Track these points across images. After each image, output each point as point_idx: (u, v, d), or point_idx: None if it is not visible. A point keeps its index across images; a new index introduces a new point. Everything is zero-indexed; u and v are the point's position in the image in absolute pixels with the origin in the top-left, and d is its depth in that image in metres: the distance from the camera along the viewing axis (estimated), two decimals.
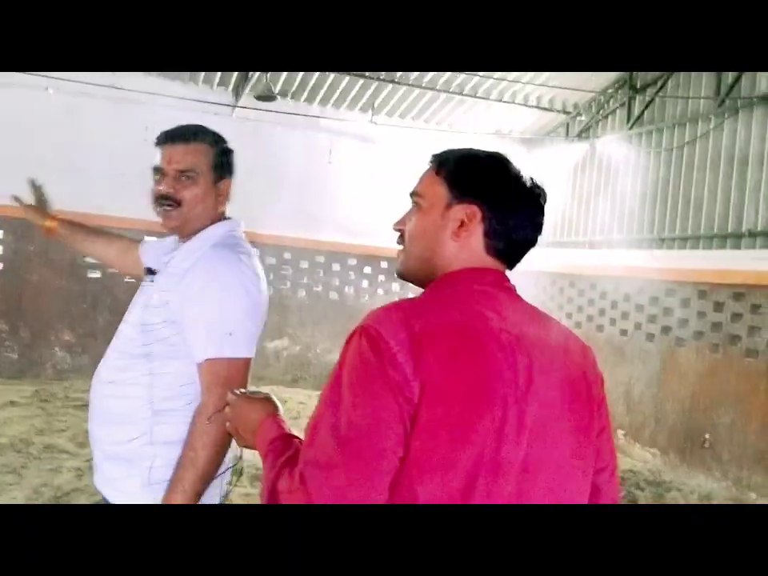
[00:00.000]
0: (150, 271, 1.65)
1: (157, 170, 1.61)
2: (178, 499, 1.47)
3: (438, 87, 7.45)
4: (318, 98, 7.66)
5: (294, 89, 7.49)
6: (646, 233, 6.89)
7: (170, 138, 1.61)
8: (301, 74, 7.19)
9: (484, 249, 1.11)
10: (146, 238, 2.00)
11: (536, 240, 1.15)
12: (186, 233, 1.65)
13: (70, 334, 6.92)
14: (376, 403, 0.93)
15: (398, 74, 7.19)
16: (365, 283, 8.24)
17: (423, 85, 7.41)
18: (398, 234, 1.17)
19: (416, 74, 7.20)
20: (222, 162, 1.66)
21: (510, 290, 1.13)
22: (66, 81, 6.68)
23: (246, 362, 1.58)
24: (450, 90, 7.50)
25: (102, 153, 6.82)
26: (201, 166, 1.60)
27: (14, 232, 6.55)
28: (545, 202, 1.15)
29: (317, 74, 7.16)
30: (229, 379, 1.50)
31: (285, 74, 7.15)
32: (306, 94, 7.60)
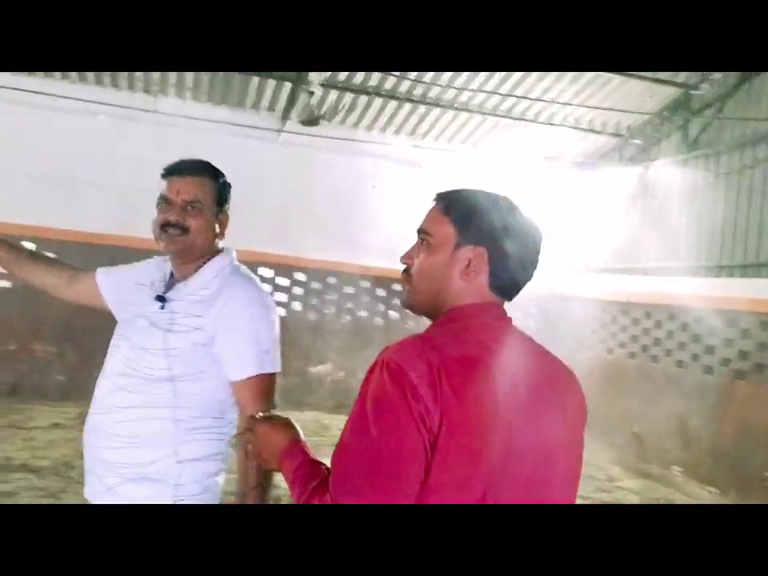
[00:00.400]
0: (161, 298, 1.71)
1: (164, 199, 1.72)
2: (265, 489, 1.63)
3: (485, 111, 7.33)
4: (364, 122, 7.62)
5: (339, 114, 7.46)
6: (703, 260, 6.58)
7: (178, 171, 1.73)
8: (348, 98, 7.16)
9: (488, 286, 1.21)
10: (100, 268, 1.95)
11: (532, 276, 1.25)
12: (187, 258, 1.75)
13: None
14: (401, 434, 1.01)
15: (444, 96, 7.10)
16: None
17: (470, 108, 7.29)
18: (405, 266, 1.26)
19: (463, 97, 7.09)
20: (223, 196, 1.80)
21: (509, 322, 1.24)
22: (113, 106, 6.80)
23: (276, 376, 1.74)
24: (497, 113, 7.36)
25: (146, 177, 6.89)
26: (206, 198, 1.73)
27: (66, 256, 6.63)
28: (541, 242, 1.25)
29: (363, 97, 7.13)
30: (268, 393, 1.68)
31: (329, 98, 7.13)
32: (351, 119, 7.56)
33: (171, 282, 1.78)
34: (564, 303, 7.68)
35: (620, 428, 6.75)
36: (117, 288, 1.87)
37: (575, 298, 7.63)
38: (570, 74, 6.48)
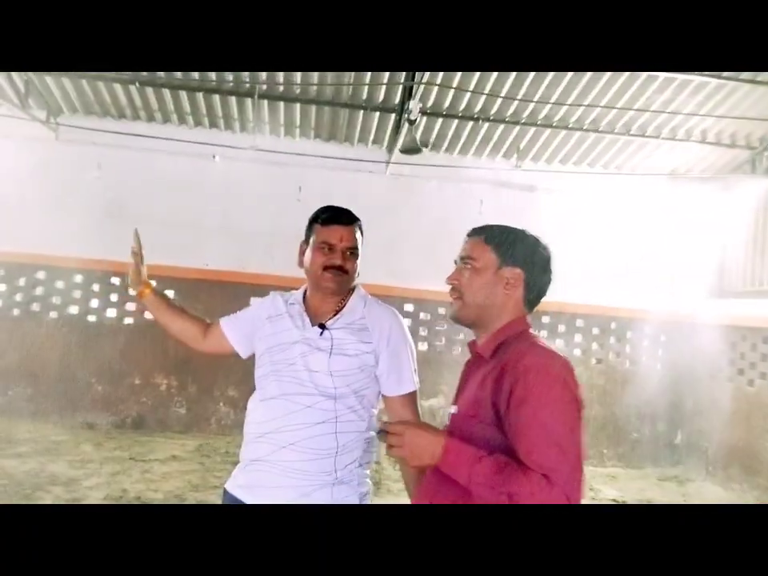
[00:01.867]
0: (323, 326, 1.97)
1: (327, 245, 1.98)
2: None
3: (600, 128, 6.97)
4: (470, 148, 7.46)
5: (443, 141, 7.36)
6: None
7: (340, 220, 2.01)
8: (452, 125, 7.05)
9: (522, 301, 1.58)
10: (223, 318, 2.24)
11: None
12: (342, 294, 2.04)
13: (234, 389, 7.12)
14: (579, 423, 1.37)
15: (556, 117, 6.82)
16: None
17: (583, 126, 6.97)
18: (451, 287, 1.61)
19: (576, 116, 6.79)
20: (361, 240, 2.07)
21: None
22: (227, 147, 7.05)
23: None
24: (613, 131, 6.99)
25: (263, 216, 7.10)
26: (358, 244, 2.03)
27: (185, 292, 6.91)
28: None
29: (468, 123, 6.99)
30: (416, 406, 2.05)
31: (433, 126, 7.05)
32: (457, 146, 7.43)
33: (307, 311, 2.04)
34: (697, 329, 7.11)
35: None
36: (248, 326, 2.14)
37: (707, 323, 7.04)
38: (692, 84, 6.04)
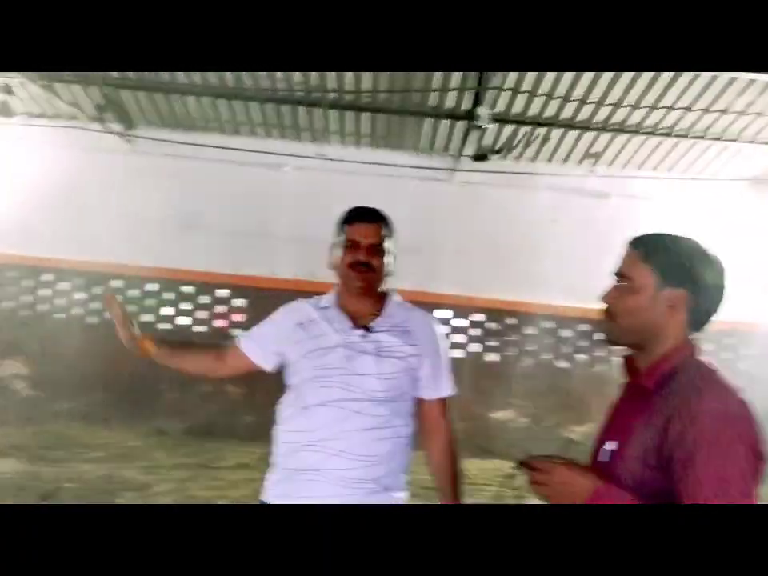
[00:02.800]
0: (367, 329, 1.95)
1: (351, 242, 1.97)
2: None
3: (677, 132, 6.69)
4: (542, 155, 7.29)
5: (514, 147, 7.21)
6: None
7: (362, 217, 2.01)
8: (523, 131, 6.89)
9: (686, 324, 1.38)
10: (240, 336, 2.16)
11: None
12: (372, 293, 2.01)
13: None
14: (756, 479, 1.23)
15: (631, 121, 6.58)
16: (597, 351, 7.49)
17: (659, 130, 6.69)
18: (605, 305, 1.44)
19: (652, 119, 6.53)
20: (390, 237, 2.04)
21: None
22: (297, 157, 7.10)
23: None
24: (691, 134, 6.69)
25: (327, 223, 7.09)
26: (385, 241, 2.00)
27: (256, 301, 6.99)
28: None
29: (539, 129, 6.83)
30: (449, 409, 2.07)
31: (503, 132, 6.91)
32: (529, 152, 7.27)
33: (343, 315, 2.00)
34: None
35: None
36: (272, 339, 2.07)
37: None
38: None
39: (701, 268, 1.36)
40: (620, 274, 1.43)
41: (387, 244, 2.01)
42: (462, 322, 7.46)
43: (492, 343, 7.51)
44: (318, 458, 1.86)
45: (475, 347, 7.49)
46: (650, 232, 1.45)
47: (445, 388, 2.04)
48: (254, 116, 7.12)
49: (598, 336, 7.40)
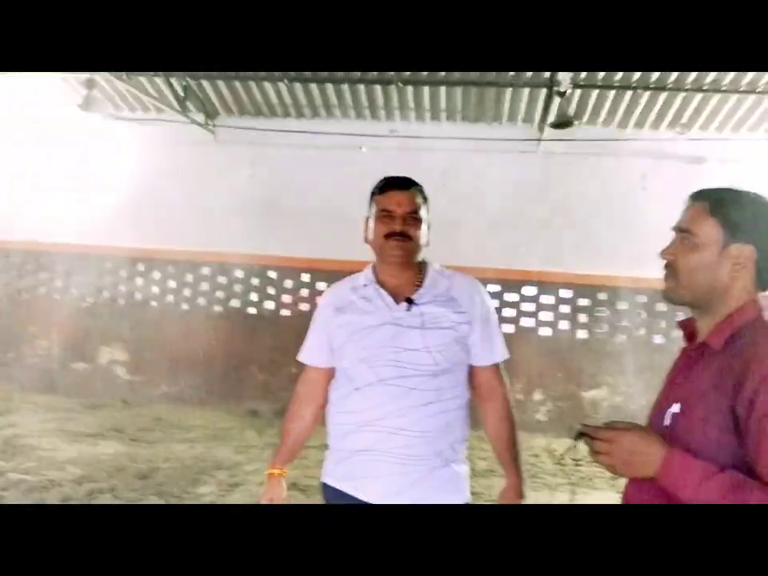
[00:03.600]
0: (410, 301, 1.88)
1: (386, 212, 1.89)
2: (522, 476, 1.95)
3: None
4: (630, 120, 6.92)
5: (597, 113, 6.87)
6: None
7: (396, 185, 1.93)
8: (610, 96, 6.55)
9: (753, 282, 1.29)
10: (303, 355, 2.07)
11: None
12: (410, 262, 1.93)
13: None
14: None
15: (725, 81, 6.13)
16: None
17: (759, 89, 6.19)
18: (666, 261, 1.35)
19: (747, 78, 6.05)
20: (428, 206, 1.96)
21: None
22: (375, 137, 7.04)
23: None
24: None
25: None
26: (421, 209, 1.92)
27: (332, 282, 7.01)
28: None
29: (626, 93, 6.47)
30: (504, 374, 2.00)
31: (589, 99, 6.59)
32: (615, 118, 6.91)
33: (384, 291, 1.92)
34: None
35: None
36: (325, 340, 1.98)
37: None
38: None
39: None
40: (682, 229, 1.33)
41: (422, 212, 1.92)
42: (549, 299, 7.22)
43: (582, 320, 7.23)
44: (377, 438, 1.81)
45: (564, 325, 7.24)
46: (715, 186, 1.35)
47: (497, 352, 1.96)
48: (330, 98, 7.11)
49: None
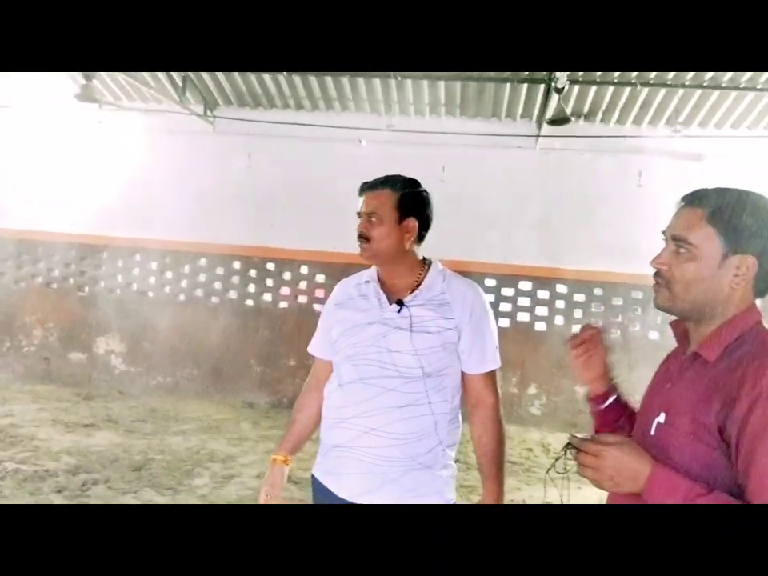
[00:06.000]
0: (401, 303, 1.88)
1: (358, 215, 1.93)
2: (502, 491, 1.88)
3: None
4: (627, 116, 6.92)
5: (595, 110, 6.87)
6: None
7: (362, 188, 1.94)
8: (608, 93, 6.56)
9: (753, 291, 1.23)
10: (312, 347, 2.11)
11: None
12: (381, 263, 1.96)
13: None
14: None
15: (725, 77, 6.14)
16: None
17: (760, 86, 6.21)
18: (656, 270, 1.27)
19: (747, 75, 6.07)
20: (406, 204, 1.90)
21: None
22: (374, 131, 7.04)
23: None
24: None
25: None
26: (382, 208, 1.88)
27: (336, 277, 7.01)
28: None
29: (623, 90, 6.48)
30: (497, 383, 1.95)
31: (587, 95, 6.60)
32: (611, 115, 6.92)
33: (383, 289, 1.94)
34: None
35: None
36: (328, 329, 2.01)
37: None
38: None
39: None
40: (678, 238, 1.22)
41: (387, 211, 1.87)
42: (544, 294, 7.25)
43: (577, 315, 7.26)
44: (350, 435, 1.84)
45: (559, 320, 7.27)
46: (711, 187, 1.24)
47: (487, 362, 1.90)
48: (330, 90, 7.10)
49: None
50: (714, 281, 1.20)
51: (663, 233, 1.28)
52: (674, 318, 1.37)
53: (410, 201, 1.91)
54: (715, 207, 1.20)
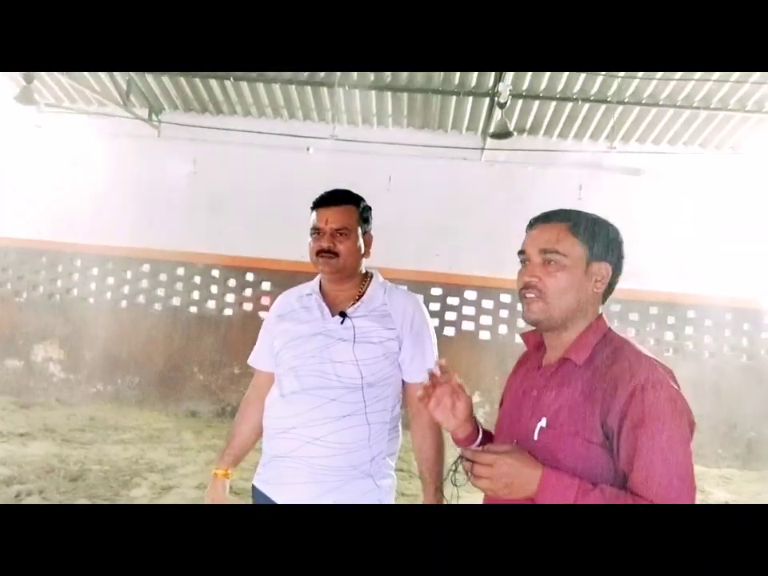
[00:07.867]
0: (344, 314, 1.90)
1: (315, 229, 1.92)
2: (442, 497, 1.83)
3: (712, 106, 6.46)
4: (570, 131, 7.13)
5: (538, 124, 7.05)
6: None
7: (325, 202, 1.93)
8: (551, 108, 6.73)
9: (602, 297, 1.36)
10: (252, 359, 2.14)
11: None
12: (341, 277, 1.96)
13: None
14: (691, 446, 1.20)
15: (663, 95, 6.38)
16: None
17: (694, 104, 6.47)
18: (525, 286, 1.35)
19: (684, 93, 6.32)
20: (366, 219, 1.97)
21: None
22: (319, 139, 7.06)
23: None
24: (729, 108, 6.46)
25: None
26: (350, 223, 1.92)
27: (282, 284, 6.98)
28: None
29: (566, 104, 6.66)
30: None
31: (531, 110, 6.76)
32: (555, 129, 7.11)
33: (326, 301, 1.96)
34: None
35: None
36: (270, 341, 2.02)
37: None
38: None
39: (615, 239, 1.35)
40: (548, 250, 1.33)
41: (354, 227, 1.92)
42: (489, 304, 7.37)
43: (521, 324, 7.40)
44: (293, 445, 1.84)
45: (503, 329, 7.39)
46: (558, 208, 1.40)
47: (427, 371, 1.95)
48: (277, 98, 7.10)
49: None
50: (582, 287, 1.31)
51: (521, 252, 1.40)
52: (525, 331, 1.49)
53: (367, 215, 1.98)
54: (576, 221, 1.34)
